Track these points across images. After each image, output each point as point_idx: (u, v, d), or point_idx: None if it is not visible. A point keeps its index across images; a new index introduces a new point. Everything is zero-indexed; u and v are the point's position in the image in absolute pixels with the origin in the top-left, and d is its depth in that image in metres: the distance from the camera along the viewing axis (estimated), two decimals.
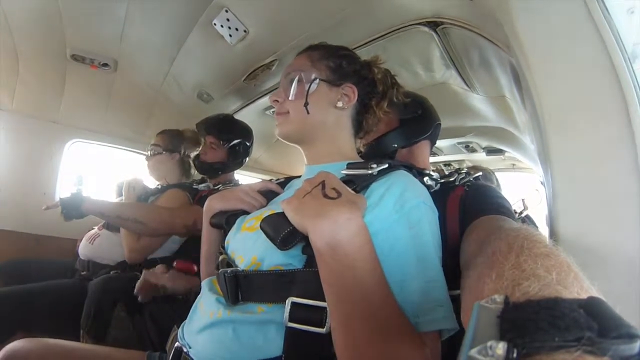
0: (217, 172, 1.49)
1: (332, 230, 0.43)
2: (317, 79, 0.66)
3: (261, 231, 0.50)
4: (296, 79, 0.67)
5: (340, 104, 0.67)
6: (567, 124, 0.51)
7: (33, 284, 1.20)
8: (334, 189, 0.48)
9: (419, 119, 0.90)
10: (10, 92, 1.56)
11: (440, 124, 0.95)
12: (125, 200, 1.37)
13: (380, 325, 0.42)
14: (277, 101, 0.69)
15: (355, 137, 0.72)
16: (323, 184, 0.49)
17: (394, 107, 0.78)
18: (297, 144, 0.71)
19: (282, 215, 0.49)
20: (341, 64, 0.69)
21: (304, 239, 0.47)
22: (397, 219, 0.49)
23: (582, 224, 0.51)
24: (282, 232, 0.47)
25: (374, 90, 0.72)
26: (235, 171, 1.56)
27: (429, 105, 0.94)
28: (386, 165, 0.57)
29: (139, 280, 1.02)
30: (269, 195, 0.73)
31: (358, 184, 0.54)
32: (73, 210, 1.18)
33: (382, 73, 0.73)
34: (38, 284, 1.21)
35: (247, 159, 1.55)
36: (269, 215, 0.51)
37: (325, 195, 0.47)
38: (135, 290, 1.01)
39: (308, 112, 0.65)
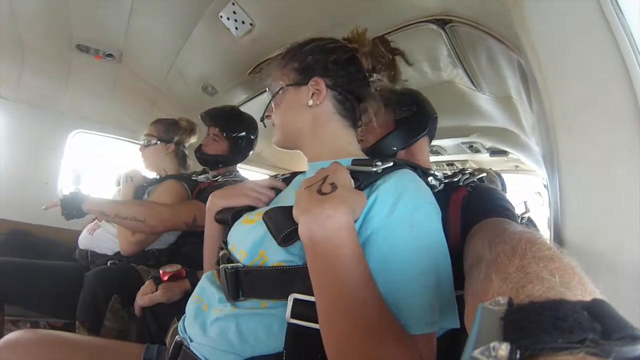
0: (218, 165, 1.47)
1: (312, 226, 0.44)
2: (284, 86, 0.67)
3: (260, 224, 0.50)
4: (271, 93, 0.69)
5: (311, 102, 0.64)
6: (576, 125, 0.50)
7: (32, 260, 1.21)
8: (331, 184, 0.47)
9: (414, 117, 0.86)
10: (14, 81, 1.56)
11: (437, 117, 0.92)
12: (122, 191, 1.35)
13: (363, 322, 0.41)
14: (269, 116, 0.71)
15: (353, 128, 0.69)
16: (325, 178, 0.48)
17: (388, 108, 0.76)
18: (294, 150, 0.71)
19: (287, 211, 0.49)
20: (306, 60, 0.66)
21: None
22: (398, 217, 0.49)
23: (590, 227, 0.50)
24: (284, 231, 0.48)
25: (355, 70, 0.67)
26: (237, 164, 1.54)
27: (423, 99, 0.91)
28: (391, 164, 0.56)
29: (136, 304, 1.01)
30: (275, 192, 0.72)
31: (362, 181, 0.53)
32: (74, 209, 1.18)
33: (369, 46, 0.69)
34: (37, 261, 1.21)
35: (251, 152, 1.53)
36: (273, 209, 0.51)
37: (319, 191, 0.46)
38: (135, 311, 1.01)
39: (284, 120, 0.67)
